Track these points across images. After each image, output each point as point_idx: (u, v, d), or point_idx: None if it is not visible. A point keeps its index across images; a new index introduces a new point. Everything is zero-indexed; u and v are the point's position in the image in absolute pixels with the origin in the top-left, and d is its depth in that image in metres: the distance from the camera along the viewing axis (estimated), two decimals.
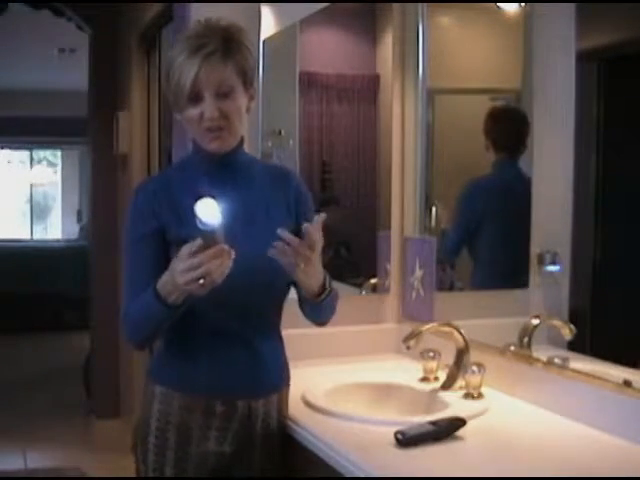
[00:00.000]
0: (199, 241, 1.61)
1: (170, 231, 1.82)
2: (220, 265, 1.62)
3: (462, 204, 2.63)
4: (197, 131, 1.84)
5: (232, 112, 1.81)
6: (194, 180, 1.86)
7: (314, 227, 1.72)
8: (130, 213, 1.88)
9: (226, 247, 1.62)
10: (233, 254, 1.63)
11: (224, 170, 1.88)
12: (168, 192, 1.86)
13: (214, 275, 1.62)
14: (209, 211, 1.58)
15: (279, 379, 1.98)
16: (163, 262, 1.77)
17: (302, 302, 1.93)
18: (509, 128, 2.45)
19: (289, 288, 1.94)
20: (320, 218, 1.74)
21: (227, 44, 1.78)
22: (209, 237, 1.60)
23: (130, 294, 1.85)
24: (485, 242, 2.55)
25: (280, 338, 2.01)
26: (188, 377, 1.88)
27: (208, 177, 1.87)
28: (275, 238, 1.72)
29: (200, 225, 1.58)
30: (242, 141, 1.91)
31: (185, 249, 1.63)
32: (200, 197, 1.58)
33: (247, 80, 1.84)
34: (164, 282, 1.71)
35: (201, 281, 1.62)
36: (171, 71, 1.80)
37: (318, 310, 1.93)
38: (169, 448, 1.87)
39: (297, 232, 1.73)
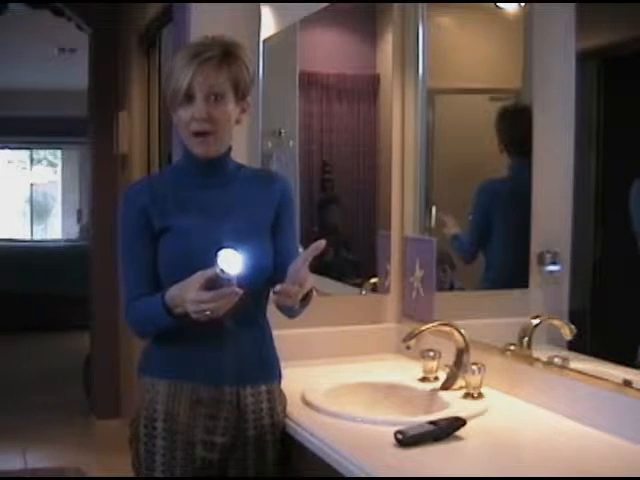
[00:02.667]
0: (213, 272, 1.72)
1: (154, 223, 1.93)
2: (227, 303, 1.75)
3: (476, 206, 2.57)
4: (186, 134, 1.94)
5: (220, 118, 1.90)
6: (180, 181, 1.99)
7: (300, 264, 1.79)
8: (119, 213, 1.99)
9: (237, 290, 1.72)
10: (241, 292, 1.73)
11: (210, 173, 1.98)
12: (154, 190, 1.97)
13: (220, 310, 1.76)
14: (230, 261, 1.70)
15: (264, 369, 2.00)
16: (153, 255, 1.93)
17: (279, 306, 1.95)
18: (521, 129, 2.34)
19: (269, 283, 1.94)
20: (308, 253, 1.79)
21: (225, 54, 1.90)
22: (225, 281, 1.72)
23: (129, 288, 1.97)
24: (490, 243, 2.54)
25: (263, 332, 2.03)
26: (173, 365, 1.94)
27: (194, 178, 1.98)
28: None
29: (219, 272, 1.71)
30: (229, 149, 2.00)
31: (199, 277, 1.75)
32: (222, 247, 1.71)
33: (239, 91, 1.93)
34: (173, 296, 1.83)
35: (208, 312, 1.76)
36: (171, 74, 1.91)
37: (294, 310, 1.95)
38: (157, 437, 1.91)
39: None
